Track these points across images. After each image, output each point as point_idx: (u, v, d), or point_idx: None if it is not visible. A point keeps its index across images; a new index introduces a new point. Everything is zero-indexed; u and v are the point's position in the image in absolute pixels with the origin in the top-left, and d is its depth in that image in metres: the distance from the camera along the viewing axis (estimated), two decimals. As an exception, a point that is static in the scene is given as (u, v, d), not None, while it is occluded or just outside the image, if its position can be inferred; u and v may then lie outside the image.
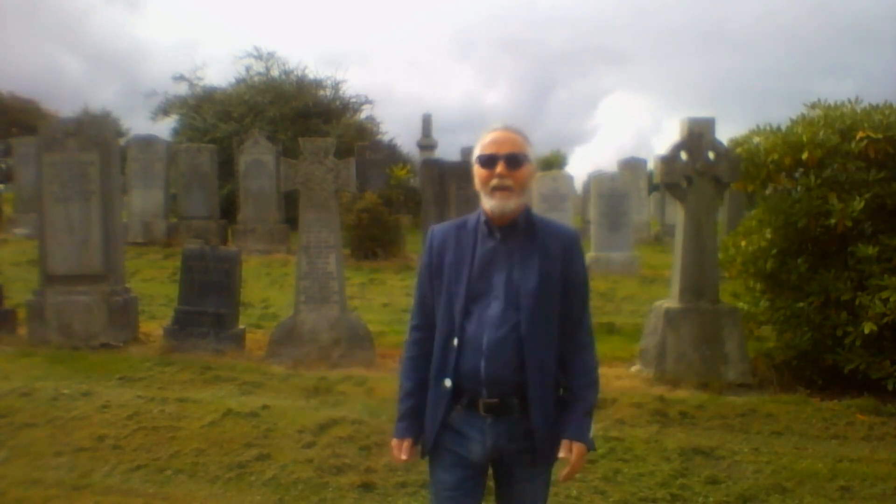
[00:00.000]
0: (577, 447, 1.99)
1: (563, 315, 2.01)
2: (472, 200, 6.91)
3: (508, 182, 1.98)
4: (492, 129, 2.07)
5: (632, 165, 17.56)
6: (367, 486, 3.77)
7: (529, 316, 1.95)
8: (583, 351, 2.07)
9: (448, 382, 1.99)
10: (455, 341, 1.98)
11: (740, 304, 6.26)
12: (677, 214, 6.27)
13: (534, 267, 1.98)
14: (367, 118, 22.98)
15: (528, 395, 1.95)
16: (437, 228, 2.15)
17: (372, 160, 17.90)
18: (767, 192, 6.23)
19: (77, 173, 7.00)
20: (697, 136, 5.90)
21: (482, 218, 2.06)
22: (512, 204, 1.99)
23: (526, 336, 1.94)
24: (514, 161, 1.99)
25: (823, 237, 5.69)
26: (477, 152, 2.06)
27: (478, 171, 2.04)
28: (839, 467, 4.05)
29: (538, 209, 13.52)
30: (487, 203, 2.01)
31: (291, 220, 11.84)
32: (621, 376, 5.90)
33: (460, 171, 6.42)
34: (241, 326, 7.11)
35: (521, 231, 2.03)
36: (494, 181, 1.98)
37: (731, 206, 12.74)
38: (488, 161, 2.01)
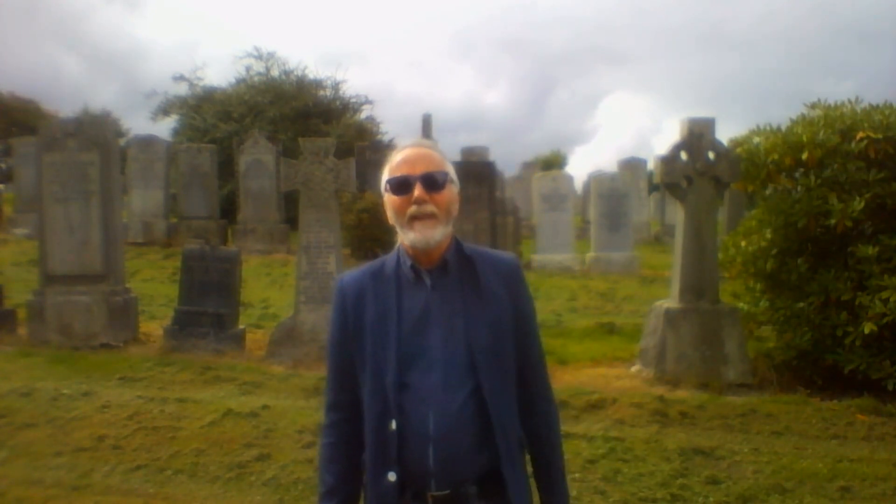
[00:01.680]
0: None
1: (521, 362, 1.68)
2: (472, 200, 6.88)
3: (430, 208, 1.59)
4: (401, 148, 1.69)
5: (632, 165, 17.57)
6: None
7: (490, 377, 1.58)
8: (543, 399, 1.74)
9: (392, 476, 1.58)
10: (393, 424, 1.56)
11: (740, 305, 6.25)
12: (677, 214, 6.27)
13: (481, 313, 1.62)
14: (367, 118, 22.97)
15: (503, 476, 1.59)
16: (348, 279, 1.72)
17: (372, 160, 17.84)
18: (767, 192, 6.23)
19: (77, 173, 7.00)
20: (697, 136, 5.90)
21: (403, 260, 1.66)
22: (437, 234, 1.59)
23: (491, 402, 1.57)
24: (433, 182, 1.61)
25: (823, 237, 5.69)
26: (386, 176, 1.66)
27: (389, 200, 1.64)
28: (839, 467, 4.05)
29: (538, 209, 13.58)
30: (407, 237, 1.61)
31: (291, 220, 11.83)
32: (621, 376, 5.90)
33: (460, 170, 6.41)
34: (241, 326, 7.11)
35: (455, 270, 1.65)
36: (412, 209, 1.59)
37: (731, 206, 12.74)
38: (401, 185, 1.61)
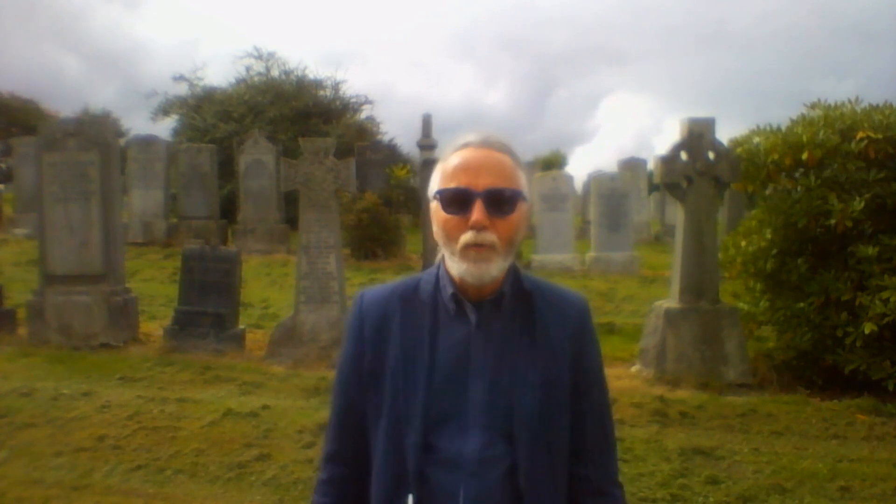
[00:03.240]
0: None
1: (578, 436, 1.32)
2: (472, 200, 6.92)
3: (490, 238, 1.22)
4: (463, 145, 1.28)
5: (632, 165, 17.56)
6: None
7: (532, 454, 1.24)
8: (606, 486, 1.35)
9: None
10: (410, 499, 1.22)
11: (740, 305, 6.26)
12: (677, 214, 6.27)
13: (532, 368, 1.27)
14: (367, 118, 22.96)
15: None
16: (371, 298, 1.36)
17: (372, 160, 17.88)
18: (767, 192, 6.23)
19: (77, 173, 7.00)
20: (697, 136, 5.90)
21: (444, 285, 1.31)
22: (494, 270, 1.24)
23: (528, 489, 1.23)
24: (500, 202, 1.23)
25: (823, 237, 5.69)
26: (437, 182, 1.29)
27: (439, 216, 1.27)
28: (839, 467, 4.05)
29: (538, 209, 13.58)
30: (456, 267, 1.26)
31: (291, 220, 11.84)
32: (621, 376, 5.90)
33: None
34: (241, 326, 7.11)
35: (510, 307, 1.31)
36: (467, 236, 1.22)
37: (731, 206, 12.74)
38: (457, 200, 1.24)
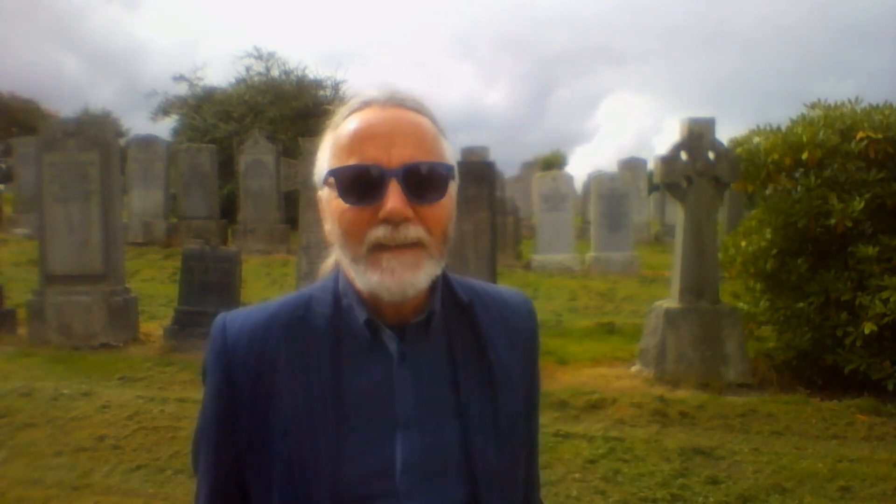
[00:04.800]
0: None
1: (526, 475, 1.03)
2: (472, 200, 6.91)
3: (414, 232, 0.87)
4: (361, 104, 0.93)
5: (632, 165, 17.57)
6: None
7: None
8: None
9: None
10: None
11: (740, 305, 6.26)
12: (677, 214, 6.27)
13: (483, 408, 0.94)
14: (368, 118, 22.93)
15: None
16: (237, 328, 0.97)
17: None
18: (767, 192, 6.23)
19: (77, 173, 7.00)
20: (697, 136, 5.90)
21: (351, 306, 0.94)
22: (421, 278, 0.89)
23: None
24: (426, 181, 0.89)
25: (823, 237, 5.69)
26: (329, 161, 0.92)
27: (333, 206, 0.91)
28: (839, 467, 4.05)
29: (538, 209, 13.58)
30: (362, 279, 0.89)
31: (291, 220, 11.84)
32: (621, 376, 5.90)
33: (460, 170, 6.40)
34: (241, 326, 7.11)
35: (443, 327, 0.96)
36: (379, 232, 0.87)
37: (731, 206, 12.74)
38: (362, 182, 0.88)
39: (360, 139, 0.89)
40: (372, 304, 0.92)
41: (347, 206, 0.88)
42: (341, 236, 0.90)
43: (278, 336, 0.93)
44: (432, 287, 0.93)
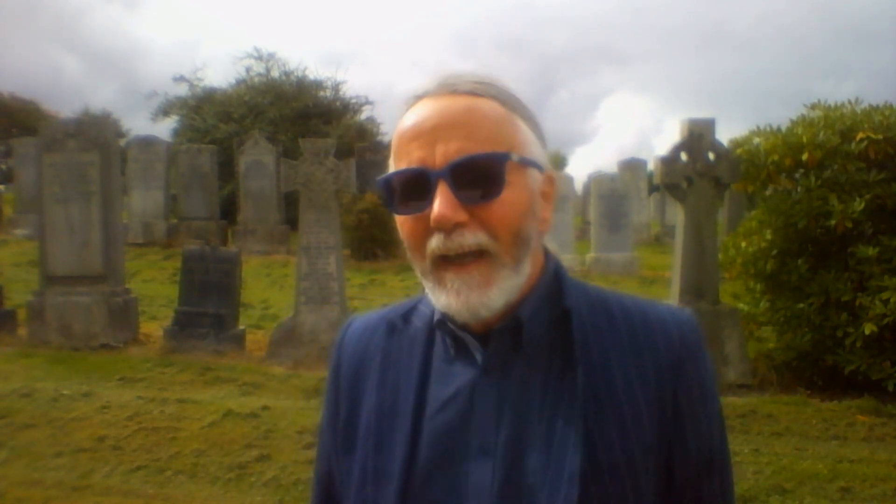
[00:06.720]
0: None
1: None
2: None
3: (471, 238, 0.77)
4: (414, 98, 0.82)
5: (632, 166, 17.57)
6: None
7: None
8: None
9: None
10: None
11: (740, 305, 6.26)
12: (677, 215, 6.27)
13: (575, 440, 0.78)
14: (368, 119, 22.96)
15: None
16: (356, 326, 0.95)
17: (372, 161, 17.90)
18: (767, 192, 6.23)
19: (77, 174, 7.00)
20: (697, 136, 5.90)
21: (436, 313, 0.86)
22: (496, 295, 0.79)
23: None
24: (479, 176, 0.77)
25: (823, 238, 5.69)
26: (391, 169, 0.84)
27: (396, 217, 0.83)
28: (839, 468, 4.05)
29: (538, 210, 13.53)
30: (435, 298, 0.82)
31: (292, 221, 11.83)
32: (621, 377, 5.89)
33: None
34: (242, 327, 7.11)
35: (539, 340, 0.83)
36: (434, 242, 0.78)
37: (731, 207, 12.75)
38: (411, 187, 0.79)
39: (407, 140, 0.79)
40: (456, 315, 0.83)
41: (403, 217, 0.80)
42: (407, 250, 0.83)
43: (381, 336, 0.91)
44: (527, 292, 0.83)
